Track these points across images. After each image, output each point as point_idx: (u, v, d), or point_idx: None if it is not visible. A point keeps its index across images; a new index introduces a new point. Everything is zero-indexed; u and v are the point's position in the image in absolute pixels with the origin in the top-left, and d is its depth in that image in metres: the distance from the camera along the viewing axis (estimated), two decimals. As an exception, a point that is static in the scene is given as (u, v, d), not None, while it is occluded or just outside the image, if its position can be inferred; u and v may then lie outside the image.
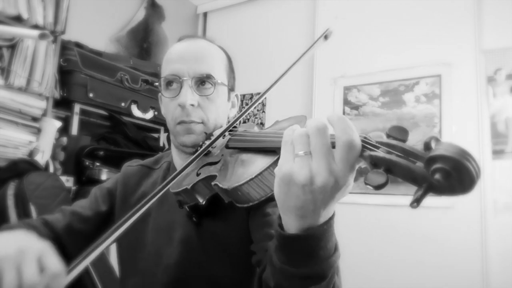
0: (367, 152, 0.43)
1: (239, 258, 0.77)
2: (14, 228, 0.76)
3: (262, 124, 2.84)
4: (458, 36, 2.20)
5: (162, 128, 2.54)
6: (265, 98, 2.76)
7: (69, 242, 0.85)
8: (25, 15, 1.74)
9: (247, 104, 2.91)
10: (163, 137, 2.56)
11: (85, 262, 0.53)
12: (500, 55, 2.09)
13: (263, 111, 2.85)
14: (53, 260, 0.52)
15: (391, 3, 2.43)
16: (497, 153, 2.04)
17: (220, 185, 0.61)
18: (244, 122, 2.90)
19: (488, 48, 2.13)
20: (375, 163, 0.42)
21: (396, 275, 2.15)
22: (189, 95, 0.80)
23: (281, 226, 0.51)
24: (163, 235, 0.84)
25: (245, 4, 3.10)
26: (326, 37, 0.79)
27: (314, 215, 0.47)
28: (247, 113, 0.70)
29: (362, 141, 0.44)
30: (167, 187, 0.59)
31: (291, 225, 0.49)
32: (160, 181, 0.92)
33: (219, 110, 0.86)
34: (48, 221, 0.87)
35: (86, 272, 1.40)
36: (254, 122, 2.88)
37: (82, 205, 0.92)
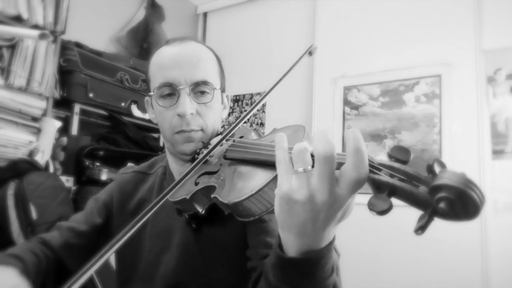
0: (370, 175, 0.42)
1: (237, 262, 0.76)
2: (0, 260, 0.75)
3: (262, 124, 2.84)
4: (458, 36, 2.20)
5: (162, 128, 2.54)
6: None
7: (68, 258, 0.86)
8: (25, 15, 1.74)
9: (247, 104, 2.91)
10: (163, 137, 2.56)
11: (86, 276, 0.50)
12: (500, 55, 2.09)
13: (263, 111, 2.85)
14: None
15: (391, 3, 2.43)
16: (497, 153, 2.03)
17: (220, 199, 0.61)
18: (244, 122, 2.89)
19: (488, 48, 2.13)
20: (378, 186, 0.41)
21: (395, 275, 2.15)
22: (187, 104, 0.78)
23: (280, 246, 0.50)
24: (161, 241, 0.84)
25: (245, 4, 3.10)
26: (310, 53, 0.80)
27: (314, 235, 0.47)
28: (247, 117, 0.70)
29: None
30: (165, 198, 0.58)
31: (291, 244, 0.48)
32: (157, 187, 0.92)
33: (216, 115, 0.85)
34: (46, 239, 0.88)
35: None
36: (254, 123, 2.88)
37: (78, 220, 0.92)
